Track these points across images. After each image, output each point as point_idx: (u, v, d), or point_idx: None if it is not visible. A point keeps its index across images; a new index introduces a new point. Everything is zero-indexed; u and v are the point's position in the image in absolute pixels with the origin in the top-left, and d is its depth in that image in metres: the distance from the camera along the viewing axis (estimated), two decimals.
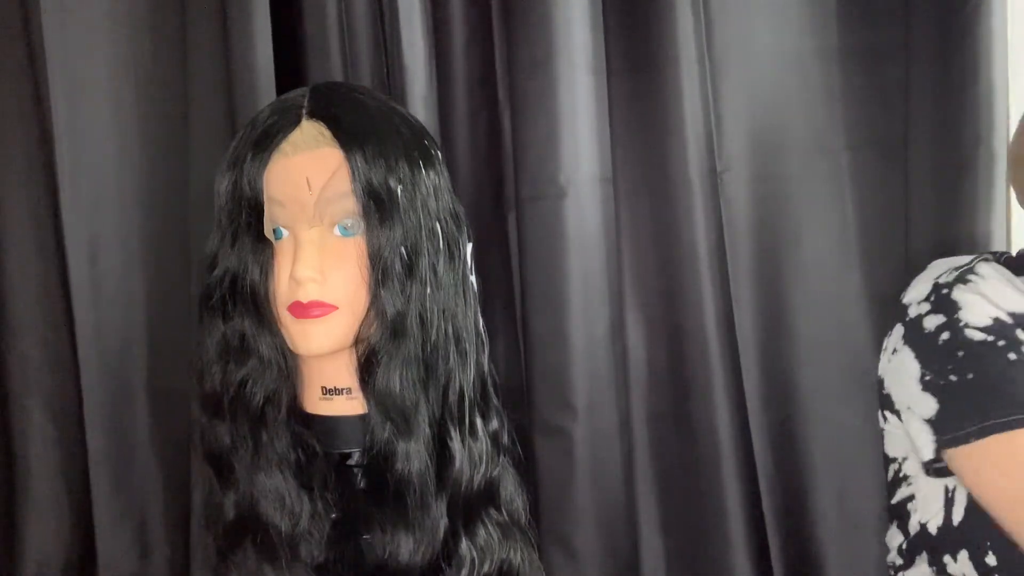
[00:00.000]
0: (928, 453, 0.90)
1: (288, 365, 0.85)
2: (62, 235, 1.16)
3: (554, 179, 1.13)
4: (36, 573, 1.20)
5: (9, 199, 1.18)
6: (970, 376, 0.87)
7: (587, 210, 1.15)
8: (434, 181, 0.84)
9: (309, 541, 0.84)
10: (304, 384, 0.87)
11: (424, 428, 0.82)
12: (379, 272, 0.80)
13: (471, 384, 0.86)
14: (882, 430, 1.01)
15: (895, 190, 1.13)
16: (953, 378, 0.88)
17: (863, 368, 1.10)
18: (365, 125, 0.81)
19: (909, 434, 0.93)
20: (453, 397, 0.84)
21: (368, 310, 0.81)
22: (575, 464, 1.15)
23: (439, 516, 0.83)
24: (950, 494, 0.93)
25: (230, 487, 0.87)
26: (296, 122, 0.81)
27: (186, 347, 1.15)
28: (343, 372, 0.84)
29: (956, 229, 1.08)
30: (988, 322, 0.87)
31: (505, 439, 0.92)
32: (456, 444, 0.84)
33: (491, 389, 0.91)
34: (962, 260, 0.94)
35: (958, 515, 0.92)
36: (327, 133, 0.80)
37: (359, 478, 0.86)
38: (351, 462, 0.86)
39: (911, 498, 0.98)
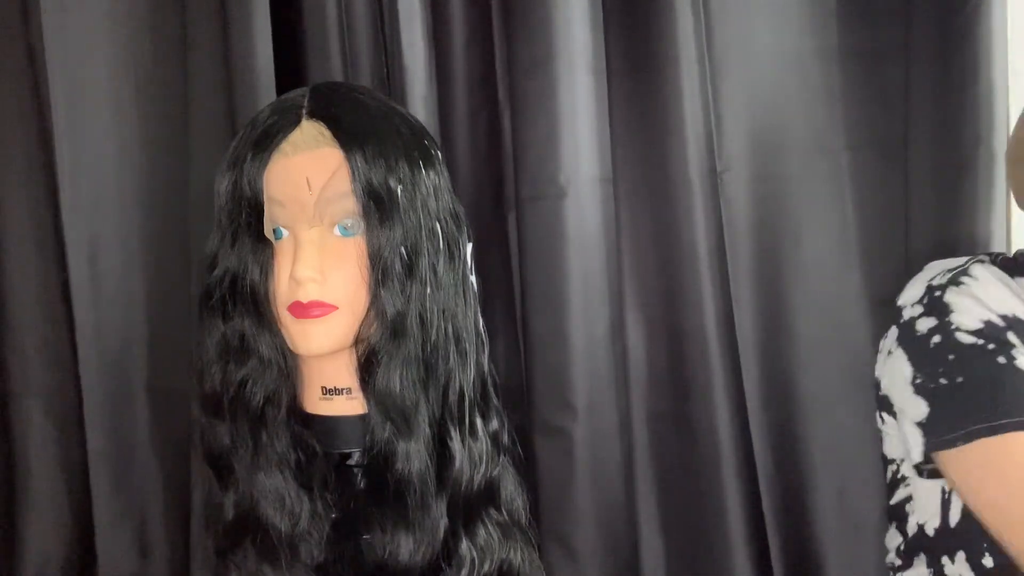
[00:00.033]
0: (917, 456, 0.91)
1: (288, 365, 0.85)
2: (62, 235, 1.16)
3: (554, 179, 1.13)
4: (36, 573, 1.20)
5: (9, 199, 1.18)
6: (959, 380, 0.87)
7: (587, 210, 1.15)
8: (434, 181, 0.84)
9: (309, 541, 0.84)
10: (304, 384, 0.87)
11: (424, 428, 0.82)
12: (379, 272, 0.80)
13: (471, 384, 0.86)
14: (880, 431, 1.01)
15: (895, 190, 1.13)
16: (943, 381, 0.88)
17: (863, 368, 1.10)
18: (365, 125, 0.81)
19: (902, 436, 0.93)
20: (453, 397, 0.84)
21: (368, 310, 0.81)
22: (575, 464, 1.15)
23: (439, 516, 0.83)
24: (947, 496, 0.93)
25: (230, 487, 0.87)
26: (296, 122, 0.81)
27: (186, 347, 1.15)
28: (343, 372, 0.84)
29: (956, 229, 1.08)
30: (979, 325, 0.87)
31: (505, 439, 0.92)
32: (456, 444, 0.84)
33: (491, 389, 0.91)
34: (956, 262, 0.94)
35: (955, 517, 0.92)
36: (327, 133, 0.80)
37: (359, 478, 0.86)
38: (351, 462, 0.86)
39: (909, 499, 0.98)
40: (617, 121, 1.12)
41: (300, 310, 0.80)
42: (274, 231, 0.82)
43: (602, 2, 1.12)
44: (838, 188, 1.14)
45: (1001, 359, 0.85)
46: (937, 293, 0.91)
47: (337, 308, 0.80)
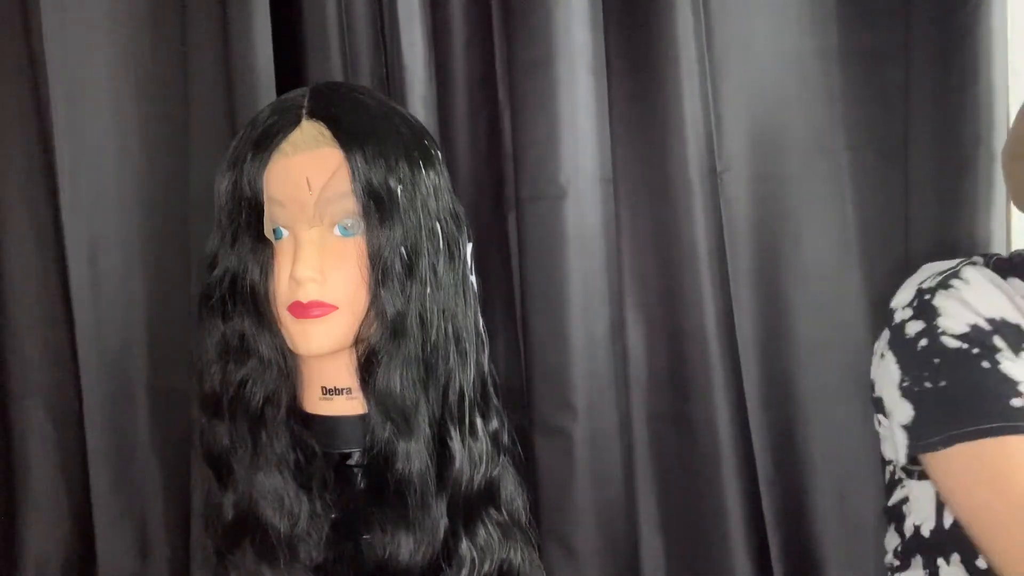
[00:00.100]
0: (903, 458, 0.91)
1: (288, 365, 0.85)
2: (62, 235, 1.16)
3: (554, 179, 1.13)
4: (36, 573, 1.20)
5: (9, 199, 1.18)
6: (943, 384, 0.87)
7: (587, 210, 1.15)
8: (434, 181, 0.84)
9: (308, 541, 0.84)
10: (304, 384, 0.87)
11: (424, 428, 0.82)
12: (379, 272, 0.80)
13: (471, 384, 0.86)
14: (878, 432, 1.01)
15: (895, 190, 1.13)
16: (928, 385, 0.88)
17: (863, 368, 1.10)
18: (365, 125, 0.81)
19: (892, 438, 0.93)
20: (453, 397, 0.84)
21: (368, 310, 0.81)
22: (575, 464, 1.15)
23: (439, 516, 0.83)
24: (941, 497, 0.93)
25: (229, 487, 0.87)
26: (296, 122, 0.81)
27: (186, 347, 1.15)
28: (343, 372, 0.84)
29: (956, 229, 1.08)
30: (965, 329, 0.87)
31: (505, 439, 0.92)
32: (456, 444, 0.84)
33: (491, 389, 0.91)
34: (948, 264, 0.94)
35: (949, 519, 0.92)
36: (327, 133, 0.80)
37: (359, 478, 0.86)
38: (351, 462, 0.86)
39: (906, 500, 0.98)
40: (617, 121, 1.12)
41: (300, 310, 0.80)
42: (274, 231, 0.82)
43: (602, 2, 1.12)
44: (838, 188, 1.14)
45: (985, 364, 0.85)
46: (926, 297, 0.91)
47: (337, 308, 0.80)
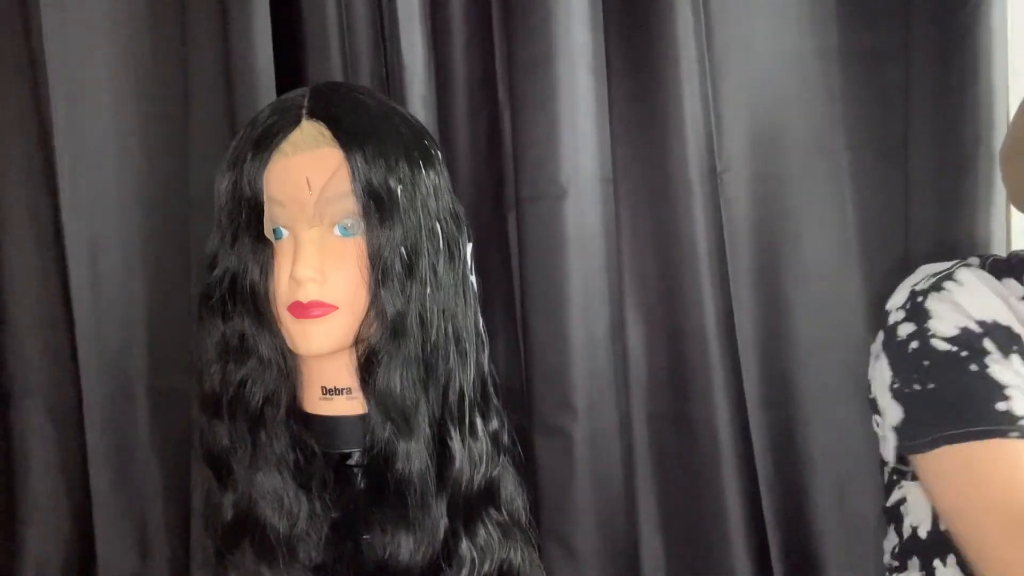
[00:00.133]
0: (891, 459, 0.92)
1: (288, 365, 0.85)
2: (62, 235, 1.16)
3: (554, 179, 1.13)
4: (36, 573, 1.20)
5: (9, 199, 1.18)
6: (931, 386, 0.88)
7: (587, 210, 1.15)
8: (434, 181, 0.84)
9: (307, 542, 0.84)
10: (304, 384, 0.87)
11: (424, 428, 0.82)
12: (379, 272, 0.80)
13: (471, 384, 0.86)
14: (876, 432, 1.01)
15: (895, 190, 1.13)
16: (917, 387, 0.89)
17: (863, 368, 1.09)
18: (365, 125, 0.81)
19: (884, 439, 0.94)
20: (453, 397, 0.84)
21: (368, 310, 0.81)
22: (575, 464, 1.15)
23: (439, 516, 0.83)
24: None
25: (229, 487, 0.87)
26: (296, 122, 0.81)
27: (186, 347, 1.15)
28: (343, 372, 0.84)
29: (956, 229, 1.08)
30: (955, 332, 0.87)
31: (505, 439, 0.92)
32: (456, 444, 0.84)
33: (491, 389, 0.90)
34: (943, 266, 0.94)
35: None
36: (327, 133, 0.80)
37: (359, 478, 0.86)
38: (351, 462, 0.86)
39: (903, 501, 0.98)
40: (617, 121, 1.12)
41: (300, 310, 0.80)
42: (274, 231, 0.82)
43: (602, 2, 1.12)
44: (838, 188, 1.14)
45: (973, 367, 0.86)
46: (919, 299, 0.91)
47: (337, 308, 0.80)
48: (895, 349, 0.91)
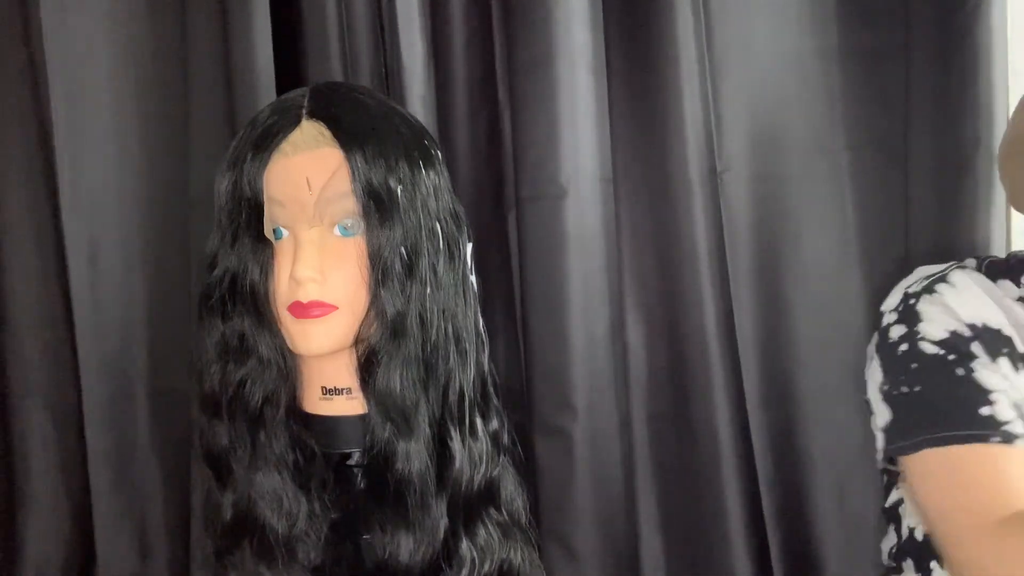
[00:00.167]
0: (880, 460, 0.93)
1: (287, 365, 0.85)
2: (62, 235, 1.16)
3: (554, 179, 1.13)
4: (36, 573, 1.20)
5: (9, 199, 1.18)
6: (917, 389, 0.88)
7: (587, 210, 1.15)
8: (434, 181, 0.84)
9: (306, 542, 0.83)
10: (304, 384, 0.87)
11: (424, 428, 0.82)
12: (379, 272, 0.80)
13: (471, 384, 0.86)
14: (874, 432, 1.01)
15: (895, 190, 1.13)
16: (904, 389, 0.89)
17: (863, 368, 1.10)
18: (365, 125, 0.81)
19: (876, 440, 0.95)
20: (453, 397, 0.84)
21: (368, 310, 0.81)
22: (575, 464, 1.15)
23: (439, 516, 0.83)
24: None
25: (228, 488, 0.87)
26: (296, 122, 0.81)
27: (186, 347, 1.15)
28: (343, 372, 0.84)
29: (956, 229, 1.08)
30: (944, 335, 0.88)
31: (505, 439, 0.92)
32: (456, 444, 0.84)
33: (491, 389, 0.91)
34: (938, 268, 0.95)
35: None
36: (327, 133, 0.80)
37: (359, 478, 0.86)
38: (351, 462, 0.86)
39: (900, 502, 0.98)
40: (617, 121, 1.12)
41: (300, 310, 0.80)
42: (274, 231, 0.82)
43: (602, 2, 1.12)
44: (838, 188, 1.14)
45: (959, 371, 0.86)
46: (911, 301, 0.92)
47: (337, 308, 0.80)
48: (886, 351, 0.92)
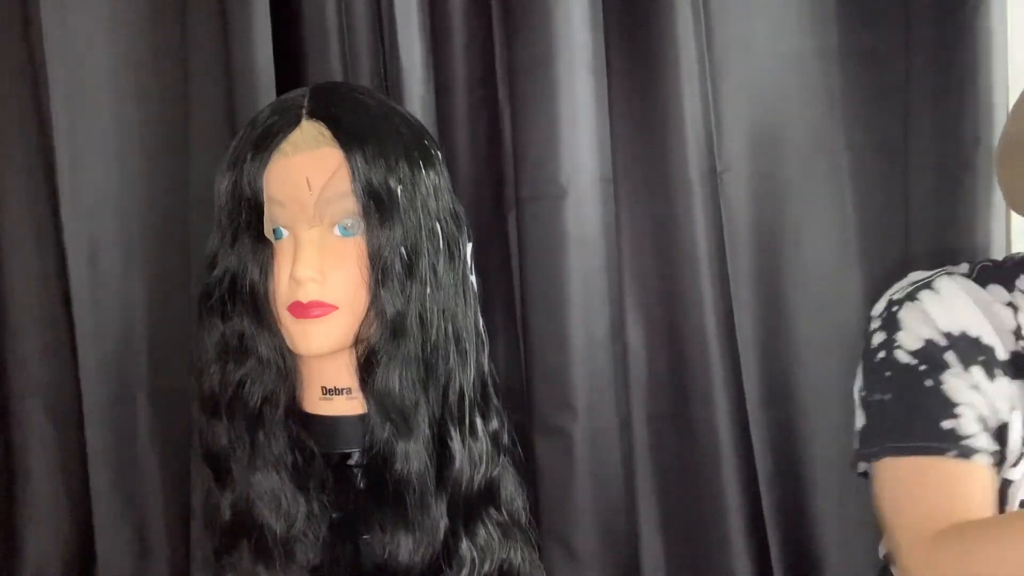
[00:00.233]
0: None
1: (287, 365, 0.85)
2: (62, 235, 1.16)
3: (554, 179, 1.13)
4: (36, 573, 1.20)
5: (9, 199, 1.18)
6: (887, 397, 0.90)
7: (587, 210, 1.15)
8: (434, 181, 0.84)
9: (304, 543, 0.83)
10: (304, 384, 0.87)
11: (424, 428, 0.82)
12: (379, 272, 0.80)
13: (471, 384, 0.86)
14: None
15: (895, 190, 1.13)
16: (877, 396, 0.91)
17: None
18: (365, 125, 0.81)
19: None
20: (453, 397, 0.84)
21: (368, 310, 0.81)
22: (575, 464, 1.15)
23: (439, 516, 0.83)
24: None
25: (227, 488, 0.86)
26: (296, 122, 0.81)
27: (186, 347, 1.15)
28: (343, 372, 0.83)
29: (956, 228, 1.08)
30: (919, 345, 0.89)
31: (505, 439, 0.92)
32: (456, 444, 0.84)
33: (491, 389, 0.90)
34: (925, 275, 0.95)
35: None
36: (327, 133, 0.80)
37: (359, 478, 0.86)
38: (351, 462, 0.86)
39: None
40: (617, 121, 1.12)
41: (300, 310, 0.80)
42: (274, 231, 0.82)
43: (602, 2, 1.12)
44: (838, 188, 1.14)
45: (928, 382, 0.87)
46: (893, 308, 0.92)
47: (337, 308, 0.80)
48: (867, 357, 0.94)
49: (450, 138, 1.16)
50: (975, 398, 0.86)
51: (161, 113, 1.17)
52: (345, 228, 0.80)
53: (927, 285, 0.92)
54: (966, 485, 0.85)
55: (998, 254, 1.06)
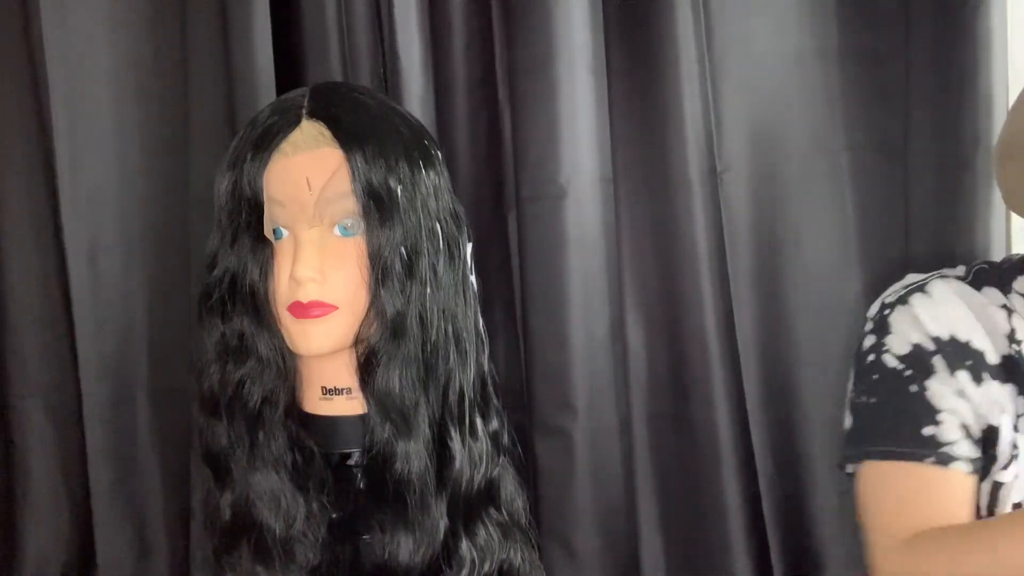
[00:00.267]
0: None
1: (287, 365, 0.85)
2: (62, 235, 1.16)
3: (554, 179, 1.13)
4: (36, 573, 1.20)
5: (9, 199, 1.18)
6: (873, 401, 0.91)
7: (587, 210, 1.15)
8: (434, 181, 0.84)
9: (304, 543, 0.83)
10: (304, 384, 0.87)
11: (424, 428, 0.82)
12: (379, 272, 0.80)
13: (471, 384, 0.86)
14: None
15: (895, 190, 1.13)
16: (864, 399, 0.92)
17: None
18: (365, 125, 0.81)
19: None
20: (453, 397, 0.84)
21: (368, 310, 0.81)
22: (575, 464, 1.15)
23: (439, 516, 0.83)
24: None
25: (227, 488, 0.86)
26: (296, 122, 0.81)
27: (186, 347, 1.15)
28: (343, 372, 0.83)
29: (956, 229, 1.08)
30: (907, 349, 0.90)
31: (505, 439, 0.92)
32: (456, 444, 0.84)
33: (491, 389, 0.90)
34: (919, 278, 0.96)
35: None
36: (327, 133, 0.80)
37: (359, 478, 0.86)
38: (351, 462, 0.86)
39: None
40: (617, 121, 1.12)
41: (300, 310, 0.80)
42: (274, 231, 0.82)
43: (602, 2, 1.12)
44: (838, 188, 1.14)
45: (912, 388, 0.88)
46: (885, 312, 0.93)
47: (337, 308, 0.80)
48: (857, 359, 0.95)
49: (450, 138, 1.16)
50: (959, 405, 0.87)
51: (161, 113, 1.17)
52: (345, 228, 0.80)
53: (920, 288, 0.92)
54: (943, 491, 0.86)
55: (998, 254, 1.06)
